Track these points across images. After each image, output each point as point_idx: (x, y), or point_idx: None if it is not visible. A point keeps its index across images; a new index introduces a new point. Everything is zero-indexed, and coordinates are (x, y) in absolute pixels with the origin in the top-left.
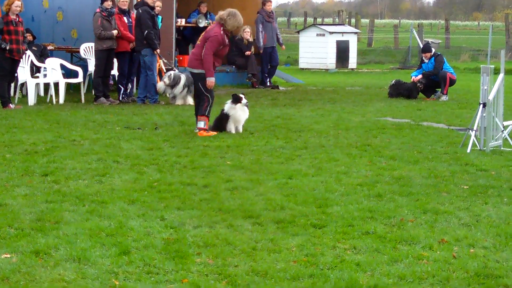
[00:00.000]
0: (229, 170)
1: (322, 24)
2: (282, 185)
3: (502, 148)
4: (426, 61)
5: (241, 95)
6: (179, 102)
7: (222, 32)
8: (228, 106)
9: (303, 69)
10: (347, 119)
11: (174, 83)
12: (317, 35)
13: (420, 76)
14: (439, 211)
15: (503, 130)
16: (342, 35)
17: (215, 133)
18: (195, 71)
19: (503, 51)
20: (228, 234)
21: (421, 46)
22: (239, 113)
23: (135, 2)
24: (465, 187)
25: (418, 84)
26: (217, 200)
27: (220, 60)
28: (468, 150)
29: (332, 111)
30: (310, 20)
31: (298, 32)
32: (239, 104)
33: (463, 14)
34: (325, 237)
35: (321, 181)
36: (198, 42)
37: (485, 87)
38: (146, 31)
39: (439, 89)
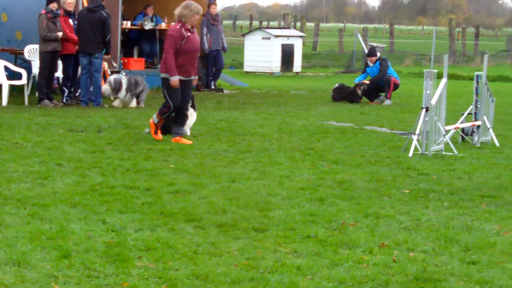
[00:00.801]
0: (172, 174)
1: (267, 28)
2: (225, 189)
3: (443, 153)
4: (371, 65)
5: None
6: (117, 103)
7: (178, 27)
8: None
9: (248, 72)
10: (291, 122)
11: (117, 87)
12: (263, 38)
13: (364, 81)
14: (380, 215)
15: (445, 135)
16: (287, 39)
17: (160, 137)
18: (162, 75)
19: (446, 55)
20: (170, 237)
21: (366, 50)
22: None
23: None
24: (406, 191)
25: (362, 87)
26: (159, 204)
27: (193, 57)
28: (410, 154)
29: (276, 115)
30: (255, 23)
31: (244, 35)
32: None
33: (407, 18)
34: (267, 241)
35: (263, 185)
36: None
37: (428, 92)
38: (110, 36)
39: (383, 93)
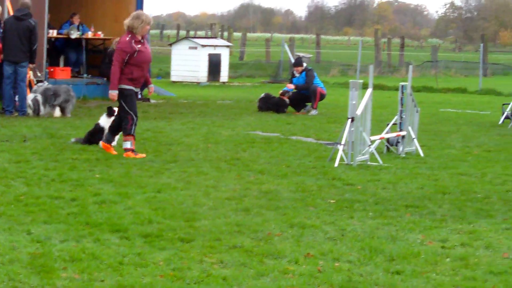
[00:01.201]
0: (98, 184)
1: (194, 37)
2: (151, 199)
3: (368, 163)
4: (297, 75)
5: (115, 108)
6: (45, 114)
7: (128, 39)
8: (103, 120)
9: (174, 82)
10: (217, 132)
11: (36, 108)
12: (189, 48)
13: (289, 85)
14: (305, 225)
15: (370, 145)
16: (214, 48)
17: (143, 155)
18: (119, 87)
19: (372, 66)
20: (95, 248)
21: (293, 60)
22: None
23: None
24: (331, 201)
25: (287, 95)
26: (85, 214)
27: (146, 68)
28: (336, 165)
29: (202, 125)
30: (183, 33)
31: (171, 44)
32: (113, 117)
33: (334, 28)
34: (193, 251)
35: (189, 195)
36: None
37: (354, 102)
38: (37, 45)
39: (309, 103)
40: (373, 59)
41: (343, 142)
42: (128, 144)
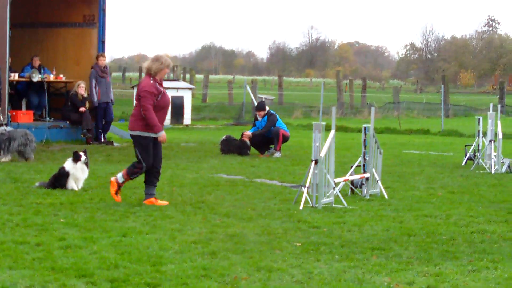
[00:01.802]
0: (63, 228)
1: None
2: (116, 243)
3: (333, 205)
4: (260, 119)
5: (81, 153)
6: (5, 159)
7: (152, 82)
8: (68, 164)
9: None
10: (182, 175)
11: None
12: None
13: (249, 133)
14: (272, 269)
15: (334, 187)
16: (177, 91)
17: (119, 200)
18: (133, 133)
19: (334, 108)
20: None
21: (255, 102)
22: (79, 172)
23: None
24: (297, 244)
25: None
26: (50, 259)
27: (165, 112)
28: (301, 207)
29: (166, 168)
30: None
31: (133, 87)
32: (79, 162)
33: (296, 70)
34: None
35: (155, 239)
36: (135, 102)
37: (317, 144)
38: (1, 89)
39: (273, 146)
40: (336, 100)
41: (307, 184)
42: (121, 180)
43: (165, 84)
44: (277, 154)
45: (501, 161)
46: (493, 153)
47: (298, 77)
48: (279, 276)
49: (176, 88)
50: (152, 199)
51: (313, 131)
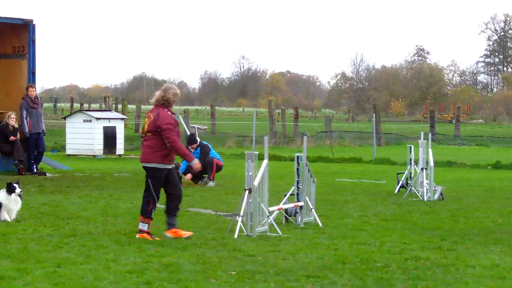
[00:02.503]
0: None
1: (88, 110)
2: (51, 274)
3: (268, 233)
4: (193, 151)
5: (15, 185)
6: None
7: (170, 113)
8: (2, 195)
9: (70, 155)
10: (115, 205)
11: None
12: (84, 121)
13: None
14: None
15: (268, 216)
16: (109, 121)
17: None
18: (149, 165)
19: (267, 137)
20: None
21: (188, 132)
22: (13, 203)
23: None
24: (233, 273)
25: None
26: None
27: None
28: (235, 236)
29: (100, 198)
30: (76, 105)
31: (65, 118)
32: (13, 194)
33: (228, 100)
34: None
35: (89, 269)
36: (147, 134)
37: (250, 173)
38: None
39: (206, 175)
40: (268, 130)
41: (241, 213)
42: (145, 227)
43: (97, 114)
44: (211, 184)
45: (433, 188)
46: (425, 181)
47: (230, 106)
48: None
49: (108, 119)
50: (174, 229)
51: (246, 160)
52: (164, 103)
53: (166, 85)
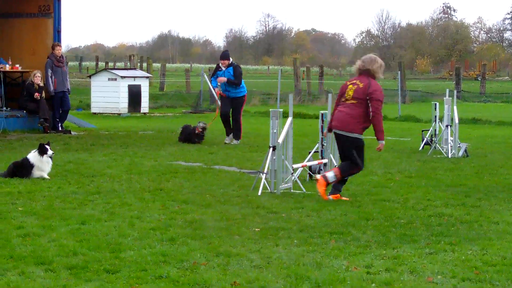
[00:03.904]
0: (21, 217)
1: (113, 69)
2: (75, 231)
3: (292, 191)
4: (223, 68)
5: (47, 146)
6: None
7: (380, 86)
8: (33, 156)
9: (95, 113)
10: (140, 163)
11: None
12: (109, 79)
13: (224, 79)
14: (231, 254)
15: (292, 173)
16: (134, 80)
17: (326, 199)
18: (352, 135)
19: (291, 95)
20: (20, 281)
21: (212, 90)
22: (45, 164)
23: None
24: (256, 229)
25: (201, 128)
26: (9, 247)
27: None
28: (259, 193)
29: (124, 156)
30: (102, 64)
31: (90, 76)
32: (45, 156)
33: (253, 58)
34: (118, 282)
35: (114, 226)
36: (350, 101)
37: (275, 131)
38: None
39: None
40: (293, 88)
41: (265, 170)
42: (332, 179)
43: (122, 72)
44: (236, 141)
45: (458, 145)
46: (450, 138)
47: (255, 65)
48: (238, 261)
49: (133, 77)
50: (338, 195)
51: (271, 118)
52: (369, 74)
53: (372, 57)
